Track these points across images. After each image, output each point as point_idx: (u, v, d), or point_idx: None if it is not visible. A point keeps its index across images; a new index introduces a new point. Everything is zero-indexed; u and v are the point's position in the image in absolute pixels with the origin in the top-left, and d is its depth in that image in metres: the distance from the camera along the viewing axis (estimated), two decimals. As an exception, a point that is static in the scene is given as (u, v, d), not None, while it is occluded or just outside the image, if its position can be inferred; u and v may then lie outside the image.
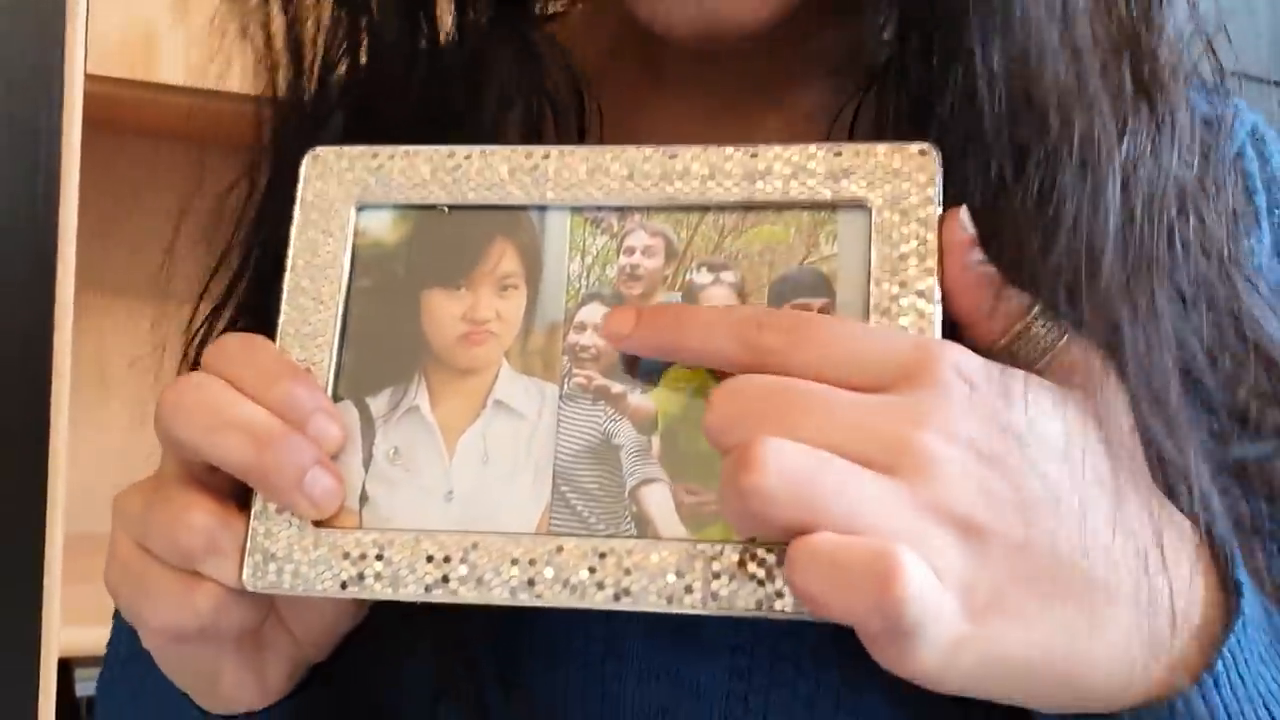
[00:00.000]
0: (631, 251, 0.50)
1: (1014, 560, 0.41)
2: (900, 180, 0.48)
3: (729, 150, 0.50)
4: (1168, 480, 0.46)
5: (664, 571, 0.45)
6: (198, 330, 0.64)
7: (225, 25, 0.63)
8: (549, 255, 0.50)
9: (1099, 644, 0.43)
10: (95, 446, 1.31)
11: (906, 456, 0.41)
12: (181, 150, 1.51)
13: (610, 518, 0.47)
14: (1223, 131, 0.56)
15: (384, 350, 0.50)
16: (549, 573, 0.46)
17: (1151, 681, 0.44)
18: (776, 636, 0.53)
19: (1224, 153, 0.55)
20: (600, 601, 0.45)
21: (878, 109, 0.55)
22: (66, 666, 1.20)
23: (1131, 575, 0.43)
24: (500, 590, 0.46)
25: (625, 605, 0.45)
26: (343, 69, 0.63)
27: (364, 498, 0.49)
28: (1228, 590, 0.45)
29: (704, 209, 0.50)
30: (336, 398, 0.50)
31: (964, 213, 0.47)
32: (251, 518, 0.48)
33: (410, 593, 0.47)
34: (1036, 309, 0.47)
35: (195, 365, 0.64)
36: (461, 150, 0.52)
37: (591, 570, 0.46)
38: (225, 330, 0.63)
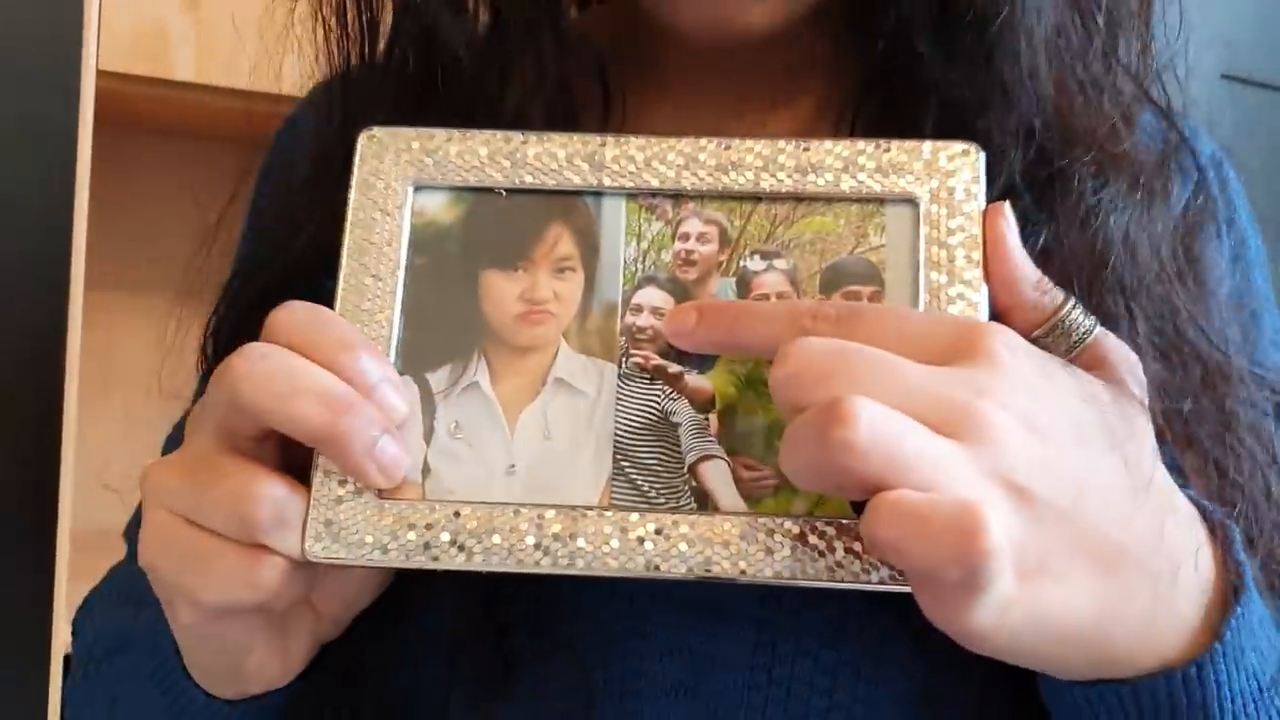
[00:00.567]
0: (687, 238, 0.52)
1: (1060, 528, 0.44)
2: (946, 176, 0.50)
3: (782, 143, 0.52)
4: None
5: (726, 544, 0.47)
6: (222, 316, 0.64)
7: (279, 13, 0.64)
8: (605, 239, 0.52)
9: (1127, 611, 0.45)
10: (97, 443, 1.31)
11: (970, 423, 0.43)
12: (191, 147, 1.51)
13: (670, 492, 0.49)
14: (1182, 160, 0.60)
15: (442, 328, 0.52)
16: (615, 544, 0.47)
17: (1167, 649, 0.47)
18: (799, 610, 0.55)
19: (1185, 185, 0.60)
20: (665, 572, 0.47)
21: (883, 105, 0.58)
22: (68, 663, 1.20)
23: (1153, 548, 0.46)
24: (566, 560, 0.47)
25: (687, 576, 0.47)
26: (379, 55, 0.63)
27: (426, 470, 0.50)
28: (1229, 569, 0.48)
29: (756, 199, 0.52)
30: (398, 372, 0.51)
31: (1007, 208, 0.50)
32: (313, 488, 0.49)
33: (479, 563, 0.48)
34: (1072, 302, 0.49)
35: (214, 350, 0.64)
36: (519, 135, 0.53)
37: (654, 543, 0.47)
38: (246, 319, 0.63)
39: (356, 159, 0.53)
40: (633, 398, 0.50)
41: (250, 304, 0.62)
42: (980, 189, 0.50)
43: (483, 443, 0.50)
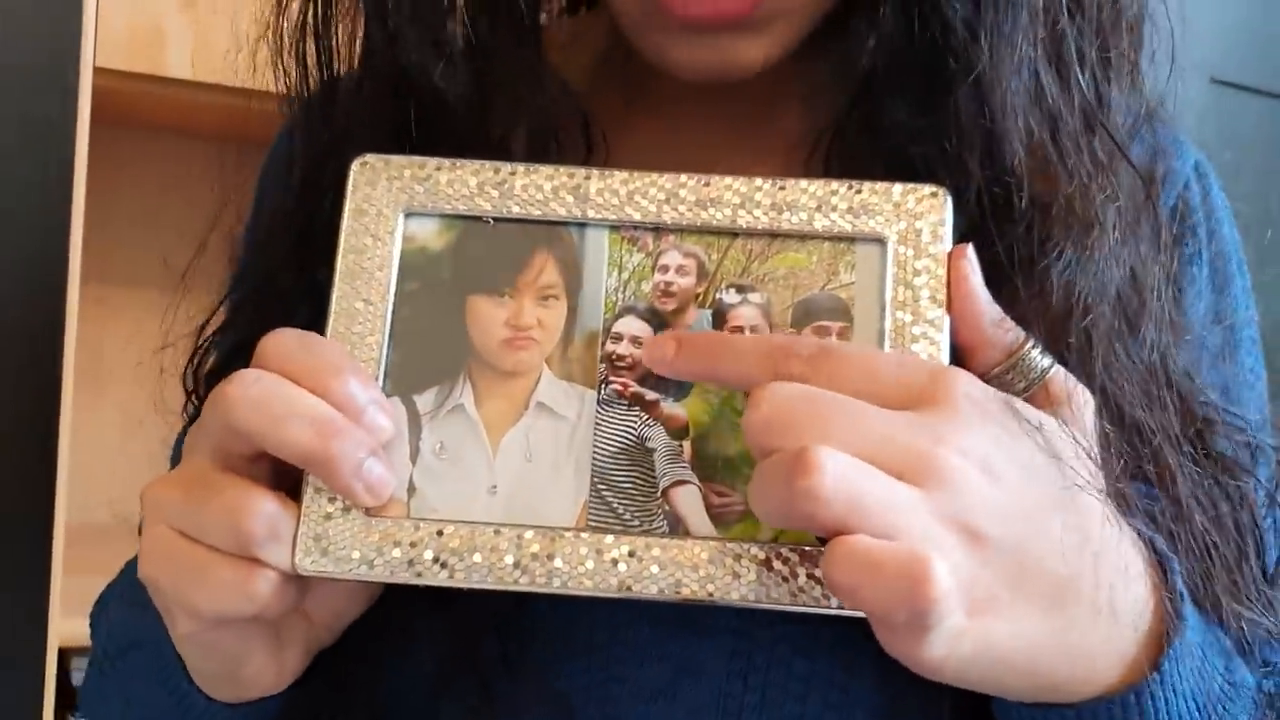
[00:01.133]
0: (666, 269, 0.54)
1: (1009, 565, 0.46)
2: (914, 219, 0.53)
3: (759, 181, 0.54)
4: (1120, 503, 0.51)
5: (695, 567, 0.49)
6: (210, 336, 0.66)
7: (247, 28, 0.64)
8: (588, 269, 0.54)
9: (1070, 642, 0.48)
10: (90, 439, 1.31)
11: (929, 469, 0.45)
12: (187, 145, 1.52)
13: (644, 515, 0.51)
14: (1162, 181, 0.62)
15: (430, 351, 0.53)
16: (589, 565, 0.49)
17: (1108, 676, 0.50)
18: (775, 621, 0.57)
19: (1166, 201, 0.62)
20: (636, 593, 0.49)
21: (860, 131, 0.59)
22: (62, 655, 1.21)
23: (1095, 583, 0.48)
24: (544, 579, 0.49)
25: (658, 597, 0.49)
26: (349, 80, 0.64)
27: (411, 489, 0.52)
28: (1172, 601, 0.51)
29: (734, 234, 0.54)
30: (385, 394, 0.53)
31: (970, 250, 0.52)
32: (303, 504, 0.50)
33: (459, 580, 0.50)
34: (1031, 341, 0.52)
35: (200, 365, 0.66)
36: (508, 166, 0.55)
37: (627, 564, 0.49)
38: (239, 336, 0.64)
39: (349, 186, 0.55)
40: (611, 423, 0.52)
41: (239, 342, 0.63)
42: (947, 231, 0.52)
43: (466, 463, 0.52)
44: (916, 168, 0.56)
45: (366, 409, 0.50)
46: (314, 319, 0.54)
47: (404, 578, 0.50)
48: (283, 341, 0.51)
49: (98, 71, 1.03)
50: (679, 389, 0.52)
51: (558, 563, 0.49)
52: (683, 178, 0.54)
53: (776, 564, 0.48)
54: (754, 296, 0.53)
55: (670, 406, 0.52)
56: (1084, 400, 0.51)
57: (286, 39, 0.64)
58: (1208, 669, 0.51)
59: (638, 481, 0.51)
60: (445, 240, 0.55)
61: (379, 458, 0.50)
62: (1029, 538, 0.47)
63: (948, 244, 0.52)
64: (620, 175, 0.54)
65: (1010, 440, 0.48)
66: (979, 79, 0.55)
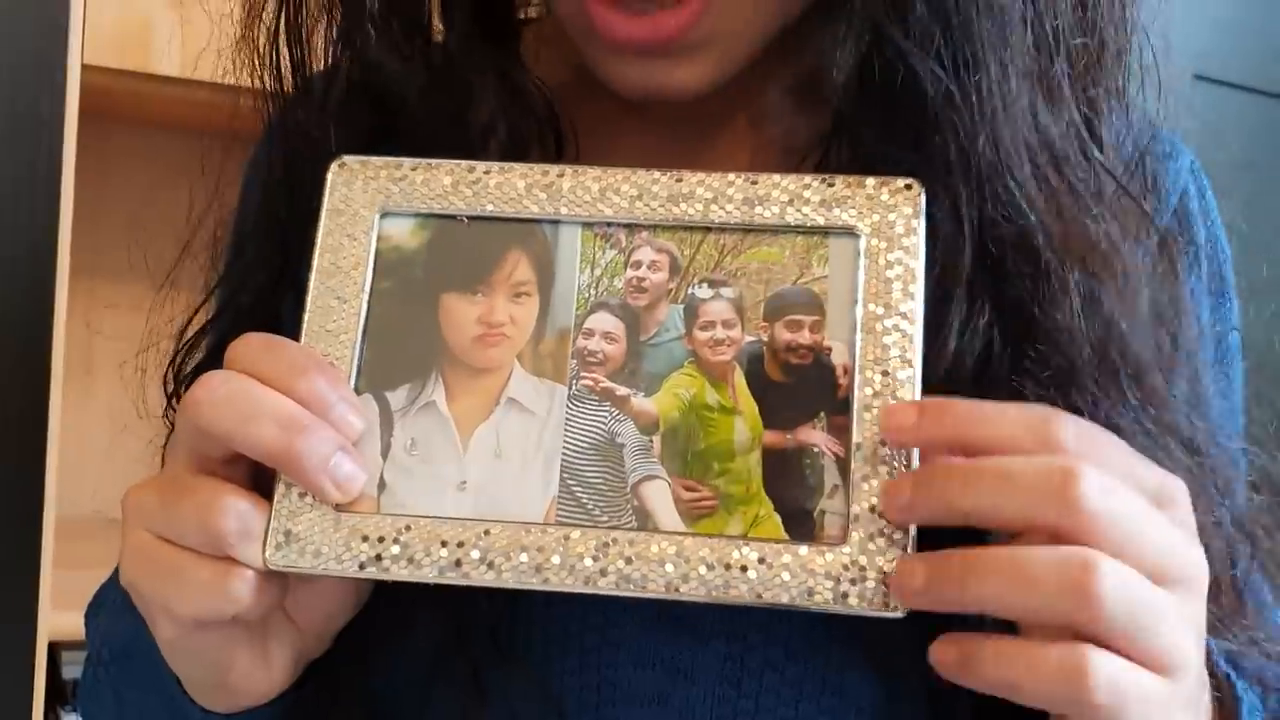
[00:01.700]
0: (638, 265, 0.54)
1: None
2: (887, 211, 0.52)
3: (731, 177, 0.54)
4: None
5: (662, 562, 0.49)
6: (189, 338, 0.66)
7: (227, 27, 0.65)
8: (560, 266, 0.54)
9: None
10: (80, 433, 1.32)
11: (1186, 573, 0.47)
12: (175, 142, 1.52)
13: (613, 510, 0.51)
14: (1162, 189, 0.62)
15: (403, 348, 0.54)
16: (556, 560, 0.49)
17: None
18: (768, 625, 0.57)
19: (1167, 205, 0.61)
20: (603, 587, 0.49)
21: (850, 140, 0.58)
22: (52, 649, 1.21)
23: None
24: (510, 574, 0.50)
25: (625, 591, 0.49)
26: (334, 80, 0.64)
27: (382, 485, 0.52)
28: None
29: (706, 229, 0.54)
30: (357, 391, 0.53)
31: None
32: (274, 501, 0.51)
33: (425, 575, 0.50)
34: None
35: (181, 367, 0.66)
36: (482, 165, 0.55)
37: (595, 559, 0.49)
38: (220, 336, 0.65)
39: (327, 187, 0.55)
40: (581, 418, 0.52)
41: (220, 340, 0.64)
42: (920, 224, 0.52)
43: (436, 459, 0.52)
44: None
45: (335, 406, 0.50)
46: (297, 318, 0.54)
47: (371, 572, 0.50)
48: (250, 344, 0.52)
49: (85, 68, 1.03)
50: (650, 384, 0.52)
51: (524, 557, 0.50)
52: (655, 174, 0.54)
53: (743, 559, 0.49)
54: (726, 291, 0.53)
55: (641, 402, 0.52)
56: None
57: (262, 41, 0.64)
58: None
59: (607, 477, 0.51)
60: (420, 239, 0.55)
61: (348, 453, 0.50)
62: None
63: (921, 236, 0.52)
64: (593, 172, 0.55)
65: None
66: (969, 115, 0.54)
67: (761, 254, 0.53)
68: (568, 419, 0.52)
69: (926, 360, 0.51)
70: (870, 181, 0.53)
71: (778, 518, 0.50)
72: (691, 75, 0.58)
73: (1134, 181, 0.59)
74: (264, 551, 0.50)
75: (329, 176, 0.56)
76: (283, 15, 0.64)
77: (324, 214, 0.55)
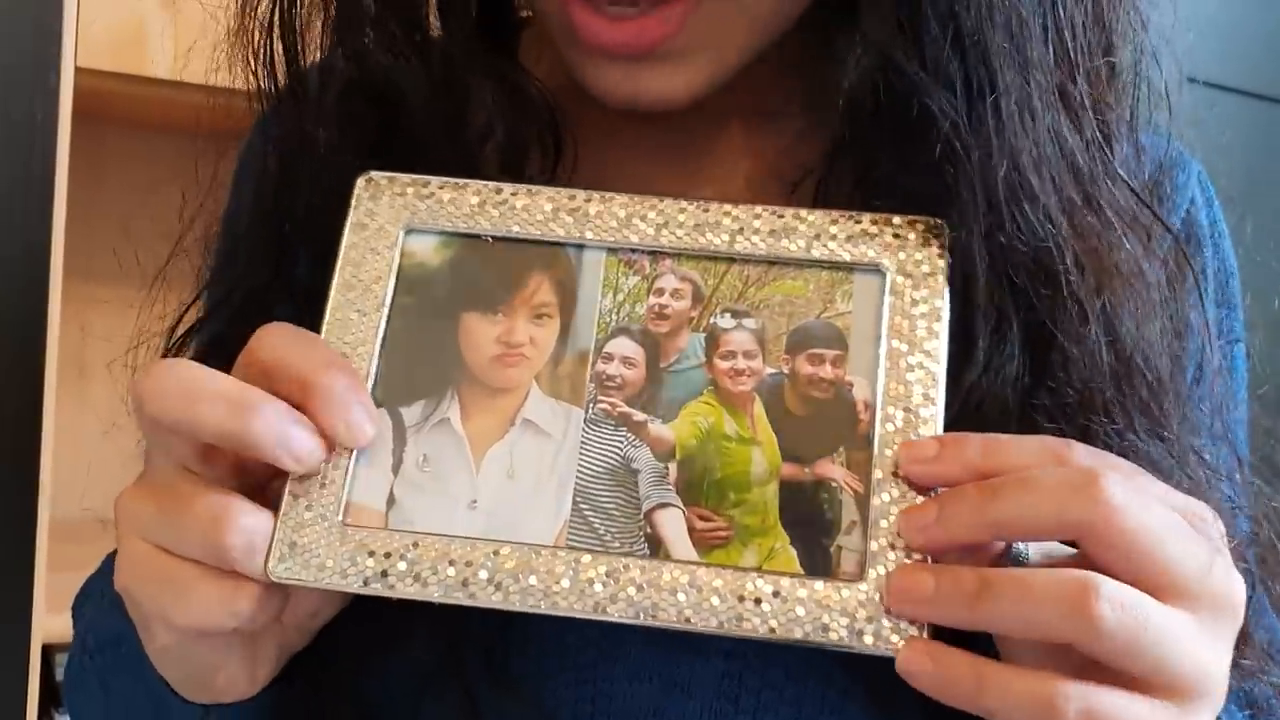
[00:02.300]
0: (661, 293, 0.54)
1: None
2: (913, 250, 0.53)
3: (759, 209, 0.54)
4: None
5: (674, 591, 0.49)
6: (179, 336, 0.66)
7: (222, 27, 0.64)
8: (583, 289, 0.54)
9: None
10: (74, 435, 1.31)
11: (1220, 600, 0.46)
12: (169, 144, 1.52)
13: (625, 536, 0.50)
14: (1169, 198, 0.61)
15: (420, 364, 0.54)
16: (565, 584, 0.49)
17: None
18: (768, 643, 0.56)
19: (1175, 215, 0.61)
20: (613, 614, 0.49)
21: (856, 157, 0.58)
22: (46, 652, 1.21)
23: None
24: (518, 597, 0.49)
25: (635, 620, 0.49)
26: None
27: (391, 500, 0.51)
28: None
29: (730, 260, 0.54)
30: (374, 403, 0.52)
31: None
32: (280, 512, 0.50)
33: (431, 593, 0.50)
34: None
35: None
36: (509, 187, 0.56)
37: (605, 585, 0.49)
38: (212, 333, 0.64)
39: (353, 201, 0.55)
40: (597, 443, 0.52)
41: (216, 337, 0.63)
42: (945, 264, 0.52)
43: (448, 477, 0.52)
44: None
45: (352, 409, 0.50)
46: (292, 317, 0.53)
47: (376, 589, 0.50)
48: (278, 333, 0.51)
49: (79, 71, 1.03)
50: (667, 411, 0.52)
51: (532, 580, 0.49)
52: (682, 203, 0.54)
53: (757, 592, 0.48)
54: (748, 322, 0.53)
55: (658, 428, 0.52)
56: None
57: (257, 36, 0.63)
58: None
59: (621, 502, 0.51)
60: (443, 257, 0.55)
61: (304, 425, 0.49)
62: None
63: (946, 276, 0.52)
64: (620, 199, 0.55)
65: None
66: (985, 139, 0.53)
67: (785, 287, 0.53)
68: (583, 442, 0.52)
69: (953, 396, 0.51)
70: (897, 219, 0.53)
71: (793, 551, 0.49)
72: (675, 83, 0.57)
73: (1152, 197, 0.59)
74: (266, 563, 0.49)
75: (355, 191, 0.56)
76: (276, 9, 0.63)
77: (348, 228, 0.55)
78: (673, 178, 0.63)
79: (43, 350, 0.76)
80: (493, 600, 0.49)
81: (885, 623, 0.47)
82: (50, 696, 1.25)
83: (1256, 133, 1.97)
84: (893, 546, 0.48)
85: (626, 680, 0.57)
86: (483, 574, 0.49)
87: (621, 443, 0.52)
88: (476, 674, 0.57)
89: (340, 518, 0.50)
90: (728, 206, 0.54)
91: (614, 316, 0.54)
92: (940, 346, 0.51)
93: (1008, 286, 0.55)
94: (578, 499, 0.51)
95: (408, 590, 0.49)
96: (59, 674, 1.27)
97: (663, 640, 0.57)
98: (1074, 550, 0.47)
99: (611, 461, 0.52)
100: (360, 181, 0.56)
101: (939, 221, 0.53)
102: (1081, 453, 0.47)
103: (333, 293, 0.54)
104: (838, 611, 0.48)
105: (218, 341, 0.63)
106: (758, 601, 0.48)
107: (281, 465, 0.49)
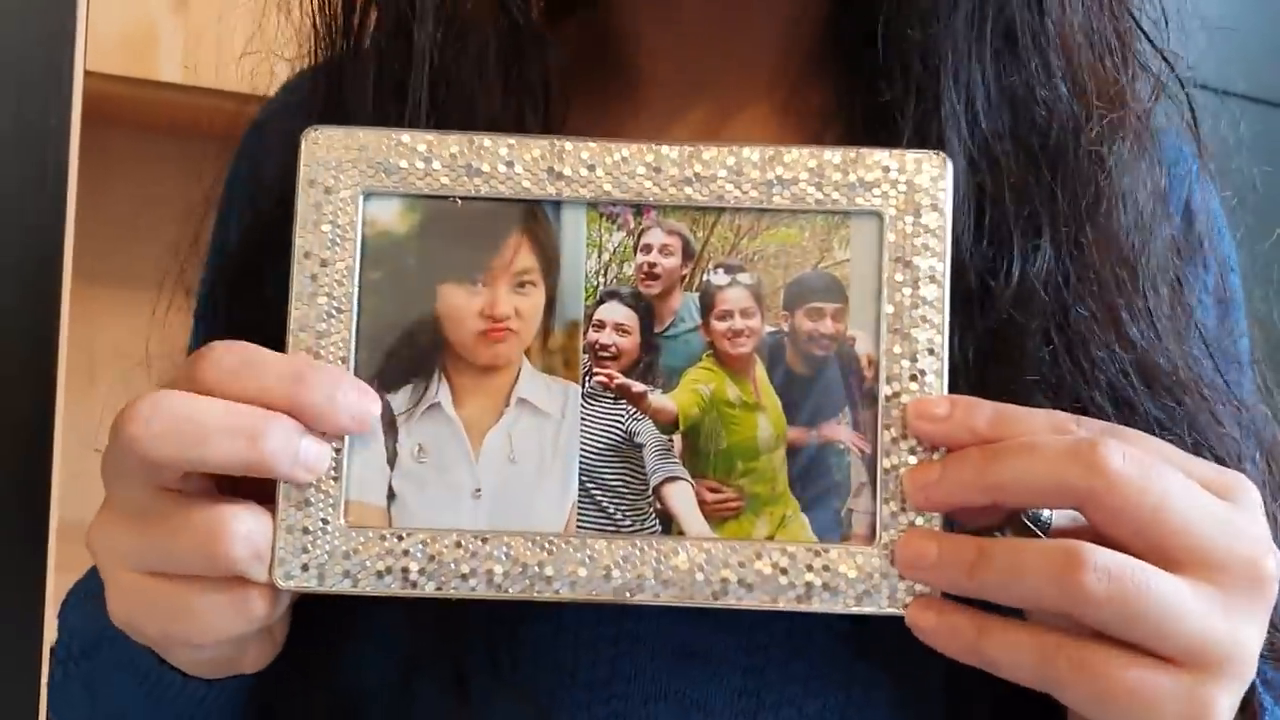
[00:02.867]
0: (649, 249, 0.50)
1: None
2: (913, 187, 0.49)
3: (747, 151, 0.50)
4: None
5: (692, 570, 0.47)
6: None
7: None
8: (565, 251, 0.50)
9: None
10: (84, 438, 1.32)
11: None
12: (179, 148, 1.52)
13: (635, 514, 0.49)
14: (1169, 189, 0.61)
15: (400, 346, 0.50)
16: (583, 573, 0.48)
17: None
18: (786, 661, 0.56)
19: (1175, 209, 0.61)
20: (634, 600, 0.47)
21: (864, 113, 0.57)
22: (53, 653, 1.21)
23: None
24: (535, 586, 0.48)
25: (655, 602, 0.47)
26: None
27: (391, 494, 0.49)
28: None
29: (720, 209, 0.50)
30: None
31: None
32: (277, 518, 0.48)
33: (447, 591, 0.48)
34: None
35: None
36: (468, 136, 0.50)
37: (622, 571, 0.48)
38: (208, 332, 0.63)
39: (300, 164, 0.50)
40: (597, 418, 0.50)
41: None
42: (947, 200, 0.49)
43: (447, 467, 0.49)
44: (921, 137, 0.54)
45: (342, 410, 0.48)
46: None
47: (391, 590, 0.48)
48: (219, 362, 0.48)
49: (89, 75, 1.03)
50: (668, 380, 0.50)
51: (549, 571, 0.48)
52: (664, 148, 0.50)
53: (774, 563, 0.47)
54: (743, 277, 0.50)
55: (659, 399, 0.49)
56: None
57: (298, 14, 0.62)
58: None
59: (627, 479, 0.49)
60: (410, 223, 0.50)
61: (309, 435, 0.47)
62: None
63: (948, 213, 0.49)
64: (594, 145, 0.50)
65: None
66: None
67: (780, 235, 0.50)
68: (583, 419, 0.49)
69: (989, 305, 0.52)
70: (894, 154, 0.50)
71: (804, 518, 0.48)
72: None
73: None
74: (271, 572, 0.48)
75: (300, 152, 0.50)
76: None
77: (299, 194, 0.50)
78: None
79: (54, 354, 0.77)
80: (510, 593, 0.48)
81: (900, 585, 0.47)
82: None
83: (1260, 138, 1.97)
84: (904, 509, 0.47)
85: (641, 700, 0.56)
86: (499, 568, 0.48)
87: (623, 416, 0.49)
88: (476, 676, 0.56)
89: (342, 519, 0.48)
90: (714, 150, 0.50)
91: (601, 279, 0.50)
92: (942, 295, 0.49)
93: (1028, 167, 0.55)
94: (584, 479, 0.49)
95: (424, 590, 0.48)
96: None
97: (680, 657, 0.56)
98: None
99: (614, 437, 0.49)
100: (304, 140, 0.50)
101: (939, 154, 0.50)
102: (1090, 425, 0.47)
103: (294, 273, 0.49)
104: (852, 577, 0.47)
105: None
106: (773, 574, 0.47)
107: (296, 481, 0.48)
